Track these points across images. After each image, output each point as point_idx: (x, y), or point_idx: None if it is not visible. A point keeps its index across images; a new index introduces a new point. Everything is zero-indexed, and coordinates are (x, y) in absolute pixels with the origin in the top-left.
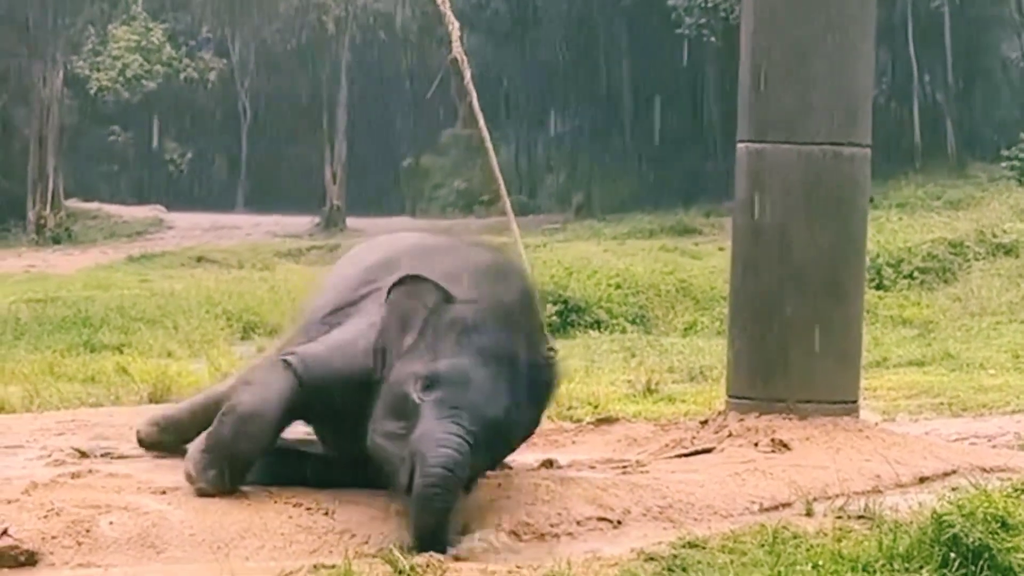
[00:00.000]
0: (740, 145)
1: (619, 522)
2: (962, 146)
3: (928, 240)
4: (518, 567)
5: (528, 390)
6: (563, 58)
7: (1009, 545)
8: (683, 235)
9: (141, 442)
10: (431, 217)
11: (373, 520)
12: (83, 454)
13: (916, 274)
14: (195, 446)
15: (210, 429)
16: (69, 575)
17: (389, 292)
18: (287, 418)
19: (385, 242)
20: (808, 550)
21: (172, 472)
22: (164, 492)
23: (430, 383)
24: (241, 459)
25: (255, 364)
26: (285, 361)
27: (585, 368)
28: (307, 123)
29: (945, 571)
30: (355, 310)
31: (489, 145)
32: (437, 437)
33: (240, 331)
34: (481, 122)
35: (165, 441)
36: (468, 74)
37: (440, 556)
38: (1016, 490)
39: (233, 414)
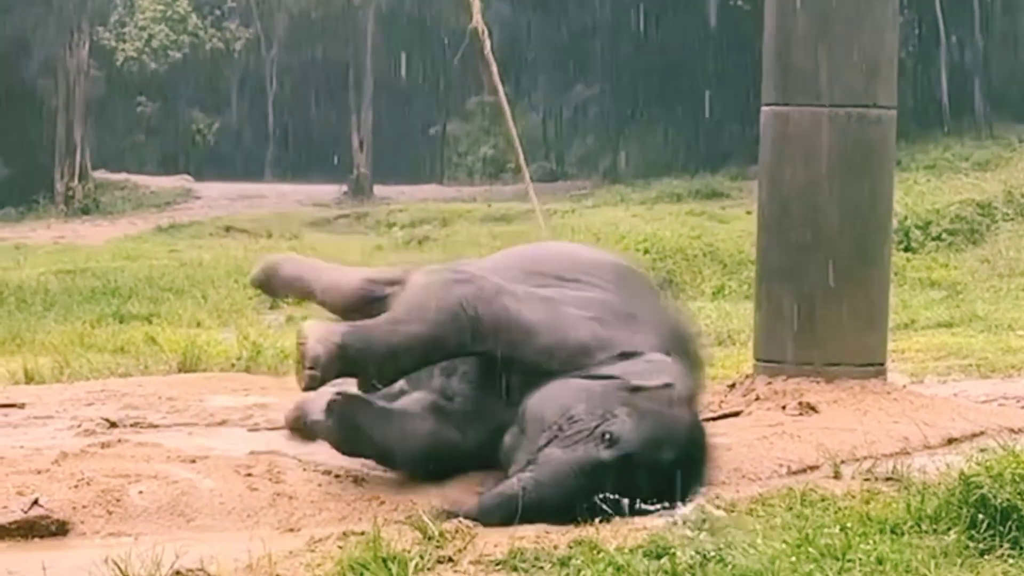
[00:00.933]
0: (765, 108)
1: None
2: (990, 107)
3: (956, 202)
4: (546, 532)
5: None
6: (590, 23)
7: None
8: (710, 199)
9: None
10: (458, 184)
11: (402, 487)
12: (112, 424)
13: (944, 236)
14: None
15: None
16: (100, 544)
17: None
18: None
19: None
20: (836, 512)
21: (202, 440)
22: (194, 461)
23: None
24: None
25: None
26: None
27: None
28: (333, 92)
29: (973, 532)
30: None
31: (508, 114)
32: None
33: (269, 300)
34: (501, 92)
35: None
36: (488, 44)
37: (469, 522)
38: None
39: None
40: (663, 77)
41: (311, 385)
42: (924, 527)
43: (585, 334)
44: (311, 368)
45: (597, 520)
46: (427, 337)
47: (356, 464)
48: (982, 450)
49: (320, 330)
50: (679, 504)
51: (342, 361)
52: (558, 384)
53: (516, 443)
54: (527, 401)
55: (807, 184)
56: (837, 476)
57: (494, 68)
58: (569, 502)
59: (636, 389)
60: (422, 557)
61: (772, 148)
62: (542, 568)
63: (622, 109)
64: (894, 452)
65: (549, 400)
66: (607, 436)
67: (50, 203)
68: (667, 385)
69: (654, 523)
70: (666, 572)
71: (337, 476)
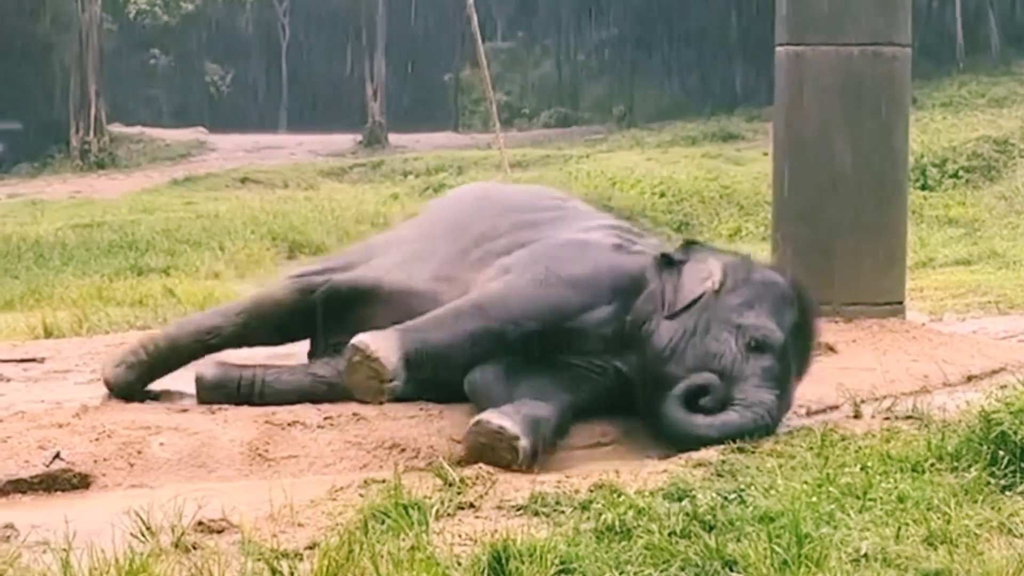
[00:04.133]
0: (779, 49)
1: None
2: (1006, 43)
3: (973, 139)
4: (567, 476)
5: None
6: None
7: None
8: (726, 141)
9: None
10: (473, 132)
11: (422, 435)
12: None
13: (961, 173)
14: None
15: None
16: (122, 496)
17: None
18: None
19: None
20: (856, 452)
21: None
22: (213, 412)
23: (759, 346)
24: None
25: None
26: None
27: None
28: (346, 40)
29: (994, 469)
30: None
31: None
32: (769, 397)
33: (285, 251)
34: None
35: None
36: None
37: (489, 468)
38: None
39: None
40: (677, 20)
41: (391, 398)
42: (944, 465)
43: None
44: (391, 381)
45: (616, 463)
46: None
47: (375, 412)
48: (1002, 387)
49: (381, 340)
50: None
51: (409, 369)
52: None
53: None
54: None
55: (822, 124)
56: (857, 416)
57: (479, 39)
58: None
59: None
60: (443, 503)
61: (787, 89)
62: (563, 512)
63: (636, 53)
64: (914, 390)
65: (676, 368)
66: (754, 344)
67: (66, 158)
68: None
69: (673, 464)
70: (687, 514)
71: (358, 424)
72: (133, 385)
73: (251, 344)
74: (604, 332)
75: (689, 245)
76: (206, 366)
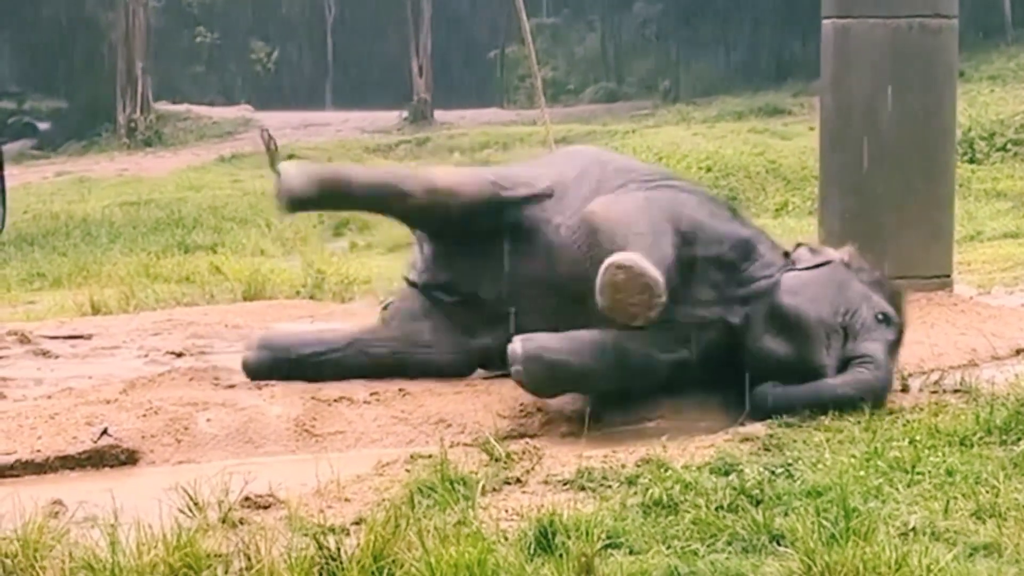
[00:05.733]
0: (826, 21)
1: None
2: None
3: (1021, 111)
4: (613, 451)
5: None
6: None
7: None
8: (772, 116)
9: None
10: (518, 108)
11: (468, 410)
12: (179, 354)
13: (1009, 146)
14: None
15: None
16: (169, 472)
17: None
18: None
19: None
20: (904, 425)
21: None
22: (260, 388)
23: (886, 320)
24: None
25: None
26: None
27: None
28: (392, 16)
29: None
30: None
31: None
32: (887, 371)
33: (332, 228)
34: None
35: None
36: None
37: (536, 444)
38: None
39: None
40: None
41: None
42: (993, 438)
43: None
44: (660, 297)
45: (664, 438)
46: None
47: (422, 387)
48: None
49: (644, 259)
50: None
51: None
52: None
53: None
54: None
55: (870, 97)
56: (905, 389)
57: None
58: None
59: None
60: (489, 478)
61: (834, 62)
62: (610, 487)
63: (682, 27)
64: (962, 364)
65: (811, 306)
66: (882, 317)
67: (113, 136)
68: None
69: (720, 438)
70: (734, 488)
71: (404, 400)
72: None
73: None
74: (717, 279)
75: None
76: (251, 350)
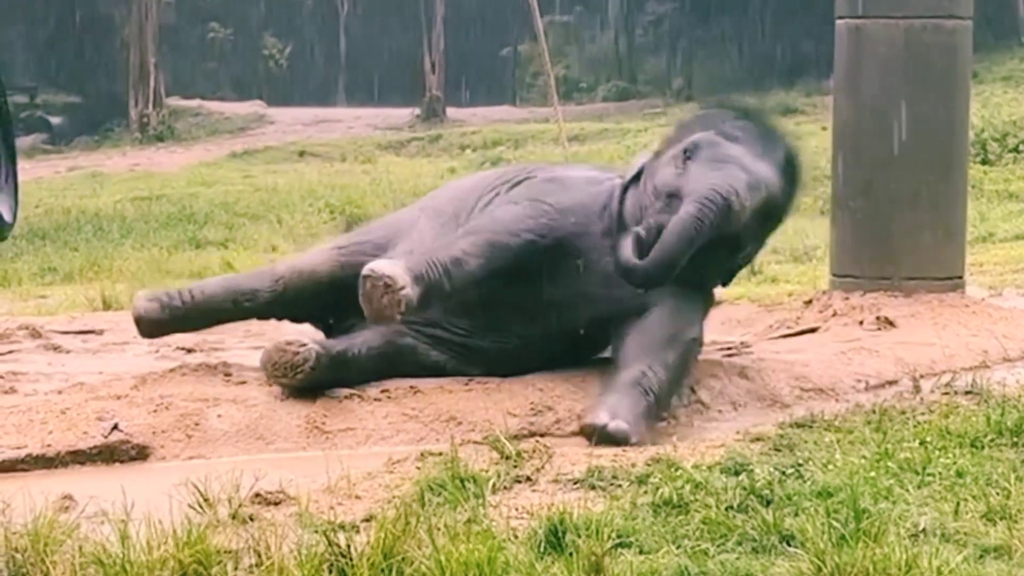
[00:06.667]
0: (839, 22)
1: (733, 404)
2: None
3: None
4: (623, 450)
5: (783, 165)
6: None
7: None
8: (785, 115)
9: None
10: (531, 105)
11: (479, 408)
12: (189, 350)
13: (1022, 147)
14: None
15: None
16: (179, 468)
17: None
18: None
19: None
20: (915, 427)
21: None
22: (271, 384)
23: (689, 151)
24: None
25: None
26: None
27: None
28: (405, 13)
29: None
30: None
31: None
32: (710, 178)
33: (343, 224)
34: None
35: None
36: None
37: (546, 443)
38: None
39: None
40: None
41: (408, 310)
42: (1004, 440)
43: None
44: (402, 289)
45: (674, 438)
46: None
47: (432, 385)
48: None
49: (386, 263)
50: None
51: (418, 282)
52: None
53: None
54: None
55: (882, 98)
56: (916, 391)
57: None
58: None
59: None
60: (499, 477)
61: (847, 62)
62: (620, 486)
63: (695, 26)
64: (973, 365)
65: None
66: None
67: (125, 130)
68: None
69: (730, 438)
70: (744, 488)
71: (414, 397)
72: (162, 326)
73: (287, 315)
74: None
75: None
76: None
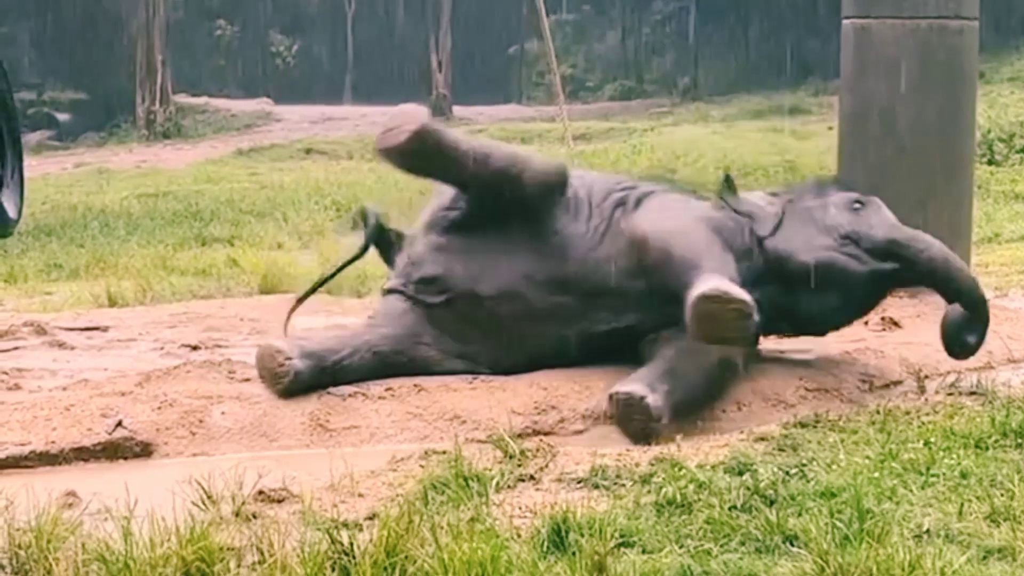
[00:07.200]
0: (845, 22)
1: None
2: None
3: None
4: (627, 450)
5: None
6: None
7: None
8: (791, 116)
9: None
10: (537, 104)
11: (482, 406)
12: (194, 347)
13: None
14: None
15: None
16: (183, 465)
17: None
18: None
19: None
20: (920, 427)
21: None
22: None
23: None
24: None
25: None
26: None
27: None
28: (411, 11)
29: None
30: None
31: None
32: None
33: (349, 222)
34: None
35: None
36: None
37: (550, 441)
38: None
39: None
40: None
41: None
42: (1008, 441)
43: None
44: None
45: (679, 437)
46: None
47: (436, 383)
48: None
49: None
50: None
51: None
52: None
53: None
54: None
55: (889, 98)
56: (921, 391)
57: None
58: None
59: None
60: (503, 475)
61: (854, 62)
62: (624, 485)
63: (702, 26)
64: (978, 366)
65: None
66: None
67: (131, 127)
68: None
69: (734, 438)
70: (748, 488)
71: (418, 396)
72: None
73: None
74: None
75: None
76: (298, 359)
